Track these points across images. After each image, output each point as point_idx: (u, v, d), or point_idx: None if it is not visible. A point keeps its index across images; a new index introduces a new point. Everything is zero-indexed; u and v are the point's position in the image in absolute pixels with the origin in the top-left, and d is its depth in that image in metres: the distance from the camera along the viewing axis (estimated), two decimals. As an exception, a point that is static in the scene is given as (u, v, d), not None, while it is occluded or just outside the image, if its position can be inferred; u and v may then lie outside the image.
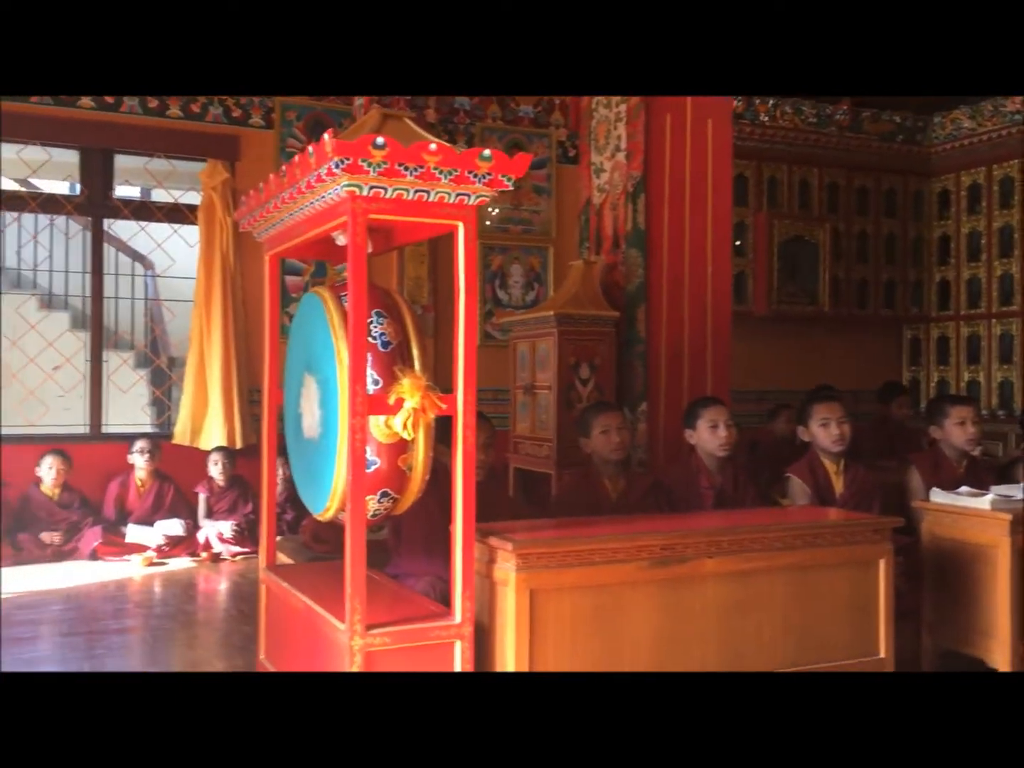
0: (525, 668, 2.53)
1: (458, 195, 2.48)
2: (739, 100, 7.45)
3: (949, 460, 4.10)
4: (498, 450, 3.96)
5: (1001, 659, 3.25)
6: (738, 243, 7.30)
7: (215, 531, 5.84)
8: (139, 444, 6.04)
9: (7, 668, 3.52)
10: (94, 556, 5.62)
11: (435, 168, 2.40)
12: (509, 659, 2.53)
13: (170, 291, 7.49)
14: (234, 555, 5.79)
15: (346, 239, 2.52)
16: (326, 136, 2.29)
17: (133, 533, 5.75)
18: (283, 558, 3.79)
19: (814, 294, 7.71)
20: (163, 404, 7.22)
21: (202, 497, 6.12)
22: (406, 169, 2.37)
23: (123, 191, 6.76)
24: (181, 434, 6.34)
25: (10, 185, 7.02)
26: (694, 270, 5.07)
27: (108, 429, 6.53)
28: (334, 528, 4.75)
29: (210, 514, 6.09)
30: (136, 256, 7.89)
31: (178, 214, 6.62)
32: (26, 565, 5.42)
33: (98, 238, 6.57)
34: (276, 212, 2.92)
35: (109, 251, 6.85)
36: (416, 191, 2.42)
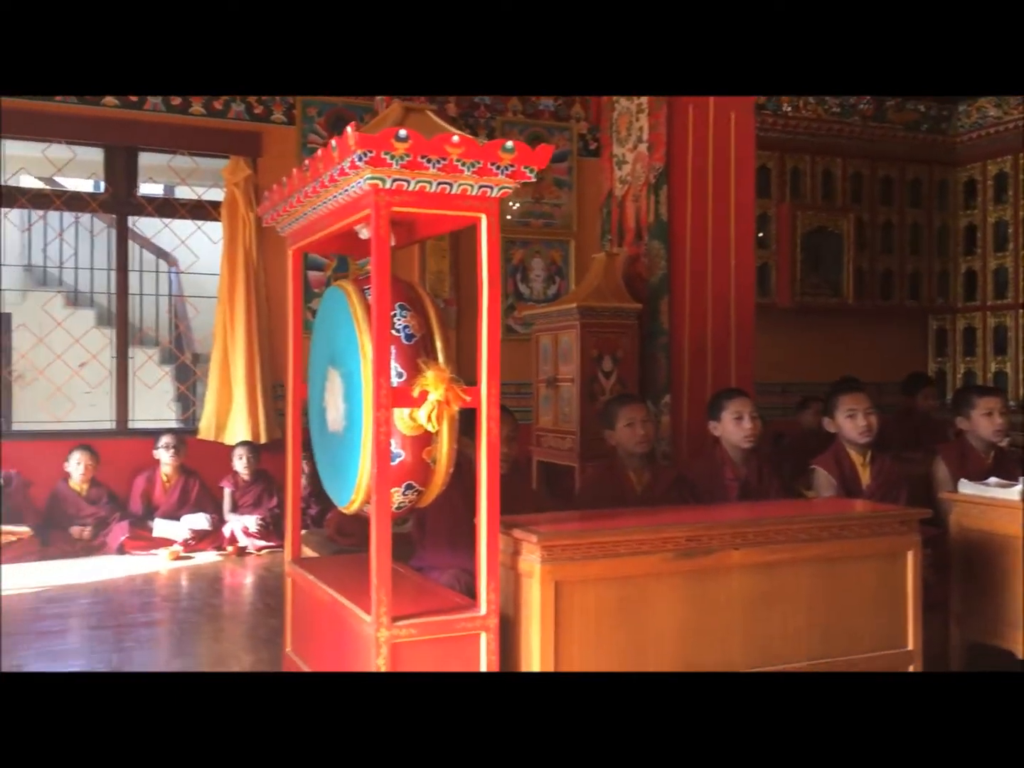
0: (550, 659, 2.53)
1: (481, 187, 2.47)
2: (761, 90, 7.40)
3: (976, 451, 4.06)
4: (521, 443, 3.96)
5: (1030, 651, 3.22)
6: (760, 235, 7.25)
7: (240, 525, 5.88)
8: (165, 439, 6.09)
9: (37, 661, 3.57)
10: (121, 550, 5.67)
11: (458, 160, 2.40)
12: (534, 651, 2.53)
13: (194, 287, 7.54)
14: (259, 549, 5.82)
15: (369, 232, 2.52)
16: (349, 129, 2.29)
17: (160, 527, 5.80)
18: (308, 552, 3.81)
19: (838, 286, 7.64)
20: (188, 400, 7.27)
21: (227, 491, 6.17)
22: (429, 161, 2.37)
23: (147, 188, 6.81)
24: (206, 429, 6.38)
25: (35, 183, 7.09)
26: (717, 262, 5.05)
27: (134, 425, 6.59)
28: (359, 521, 4.78)
29: (235, 508, 6.13)
30: (160, 253, 7.96)
31: (201, 211, 6.66)
32: (55, 560, 5.48)
33: (123, 235, 6.62)
34: (299, 206, 2.93)
35: (133, 248, 6.91)
36: (439, 183, 2.42)
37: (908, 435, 5.83)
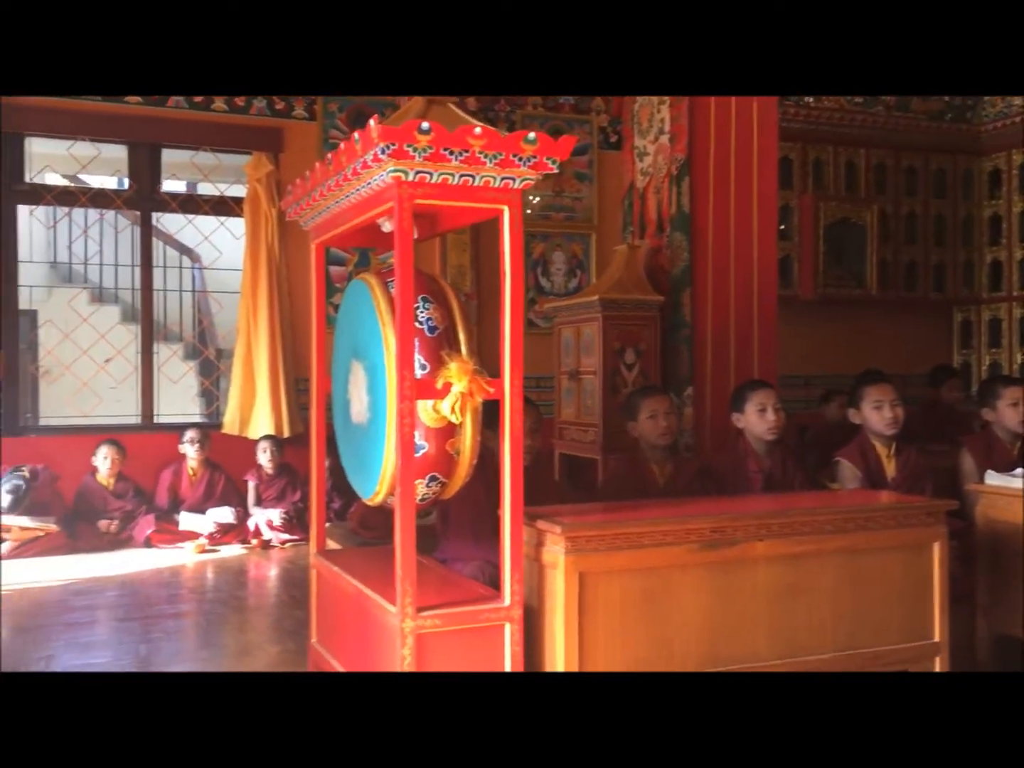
0: (574, 650, 2.53)
1: (503, 179, 2.48)
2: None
3: (1002, 442, 4.03)
4: (543, 436, 3.97)
5: (1058, 643, 3.20)
6: (782, 227, 7.20)
7: (265, 519, 5.92)
8: (190, 434, 6.14)
9: (66, 652, 3.62)
10: (148, 544, 5.73)
11: (480, 152, 2.40)
12: (559, 642, 2.54)
13: (217, 283, 7.59)
14: (283, 542, 5.87)
15: (392, 225, 2.53)
16: (372, 122, 2.30)
17: (185, 521, 5.86)
18: (332, 544, 3.83)
19: (861, 277, 7.59)
20: (212, 394, 7.33)
21: (251, 485, 6.21)
22: (451, 154, 2.37)
23: (170, 185, 6.85)
24: (230, 424, 6.43)
25: (60, 181, 7.17)
26: (739, 253, 5.03)
27: (159, 420, 6.65)
28: (382, 514, 4.80)
29: (259, 502, 6.18)
30: (183, 249, 8.02)
31: (224, 207, 6.70)
32: (83, 553, 5.54)
33: (147, 232, 6.67)
34: (322, 200, 2.95)
35: (157, 244, 6.97)
36: (461, 175, 2.43)
37: (933, 427, 5.78)
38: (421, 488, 2.66)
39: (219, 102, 6.43)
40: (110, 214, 7.03)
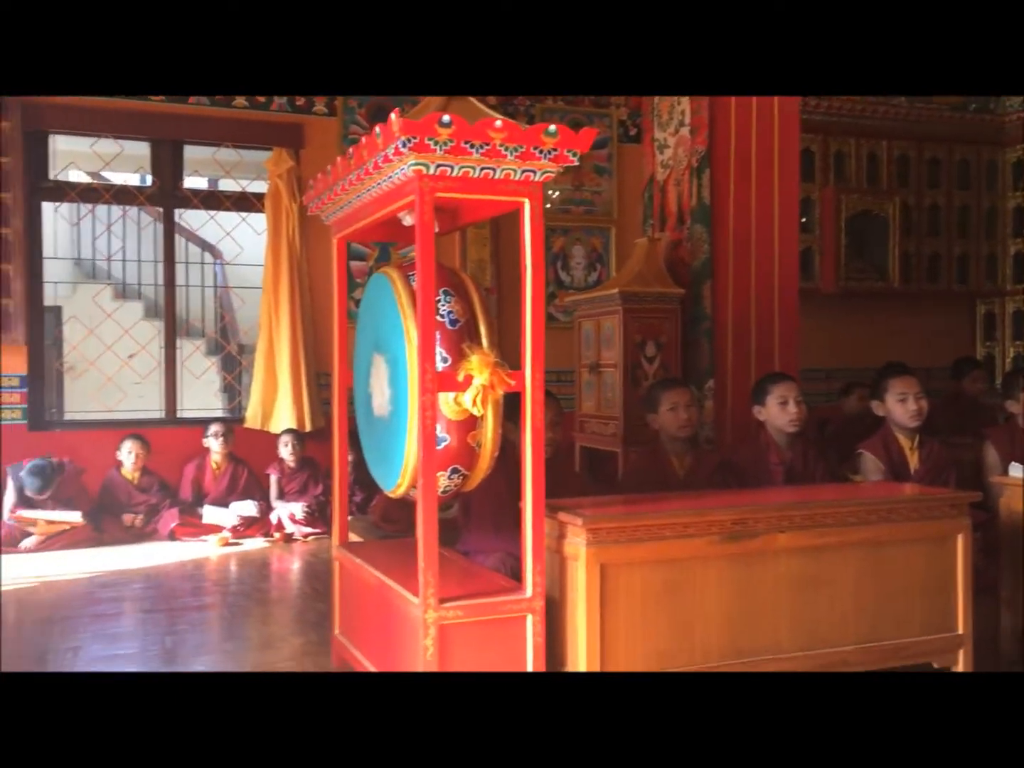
0: (596, 642, 2.54)
1: (524, 171, 2.49)
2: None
3: (1027, 434, 4.00)
4: (564, 429, 3.97)
5: (1083, 636, 3.17)
6: (803, 220, 7.16)
7: (287, 512, 5.96)
8: (214, 428, 6.19)
9: (93, 643, 3.66)
10: (172, 537, 5.78)
11: (501, 145, 2.41)
12: (580, 633, 2.55)
13: (239, 278, 7.64)
14: (306, 535, 5.90)
15: (413, 219, 2.54)
16: (393, 116, 2.32)
17: (209, 514, 5.91)
18: (354, 537, 3.87)
19: (883, 270, 7.53)
20: (234, 389, 7.38)
21: (273, 479, 6.26)
22: (472, 147, 2.39)
23: (192, 182, 6.90)
24: (252, 418, 6.47)
25: (83, 178, 7.23)
26: (760, 246, 5.01)
27: (182, 414, 6.71)
28: (403, 507, 4.84)
29: (282, 495, 6.22)
30: (205, 245, 8.07)
31: (245, 203, 6.74)
32: (108, 546, 5.60)
33: (169, 228, 6.72)
34: (344, 194, 2.97)
35: (179, 241, 7.02)
36: (482, 168, 2.44)
37: (956, 419, 5.75)
38: (443, 480, 2.68)
39: (240, 99, 6.46)
40: (133, 211, 7.09)
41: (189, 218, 7.53)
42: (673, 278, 5.08)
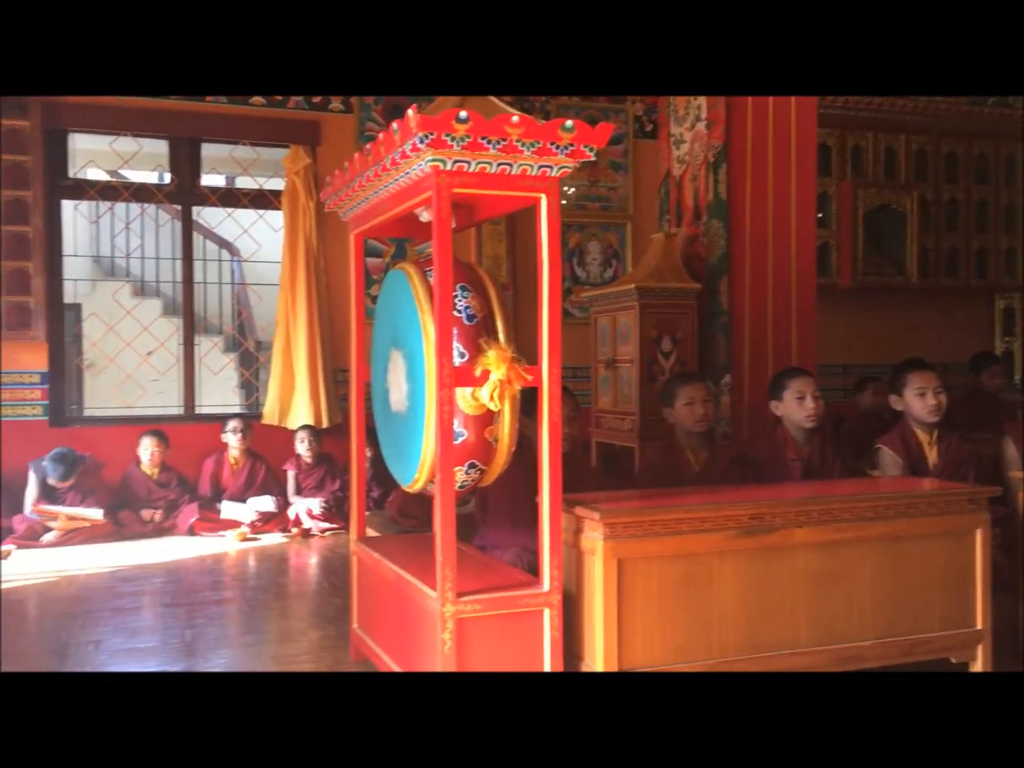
0: (613, 636, 2.55)
1: (540, 167, 2.49)
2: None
3: (1047, 429, 3.98)
4: (580, 424, 3.98)
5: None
6: (820, 215, 7.13)
7: (305, 507, 5.99)
8: (232, 423, 6.23)
9: (113, 636, 3.69)
10: (191, 532, 5.83)
11: (517, 140, 2.42)
12: (597, 627, 2.56)
13: (256, 275, 7.68)
14: (323, 531, 5.93)
15: (430, 215, 2.55)
16: (410, 112, 2.33)
17: (228, 510, 5.95)
18: (371, 532, 3.88)
19: (901, 265, 7.50)
20: (251, 385, 7.42)
21: (291, 474, 6.29)
22: (489, 142, 2.39)
23: (209, 179, 6.93)
24: (270, 414, 6.51)
25: (102, 176, 7.28)
26: (777, 241, 4.99)
27: (201, 410, 6.75)
28: (421, 503, 4.85)
29: (299, 491, 6.25)
30: (222, 242, 8.11)
31: (262, 200, 6.78)
32: (128, 541, 5.66)
33: (187, 225, 6.77)
34: (361, 191, 2.98)
35: (197, 238, 7.06)
36: (499, 164, 2.44)
37: (974, 415, 5.71)
38: (460, 475, 2.69)
39: (257, 96, 6.49)
40: (151, 208, 7.13)
41: (207, 215, 7.57)
42: (689, 273, 5.07)
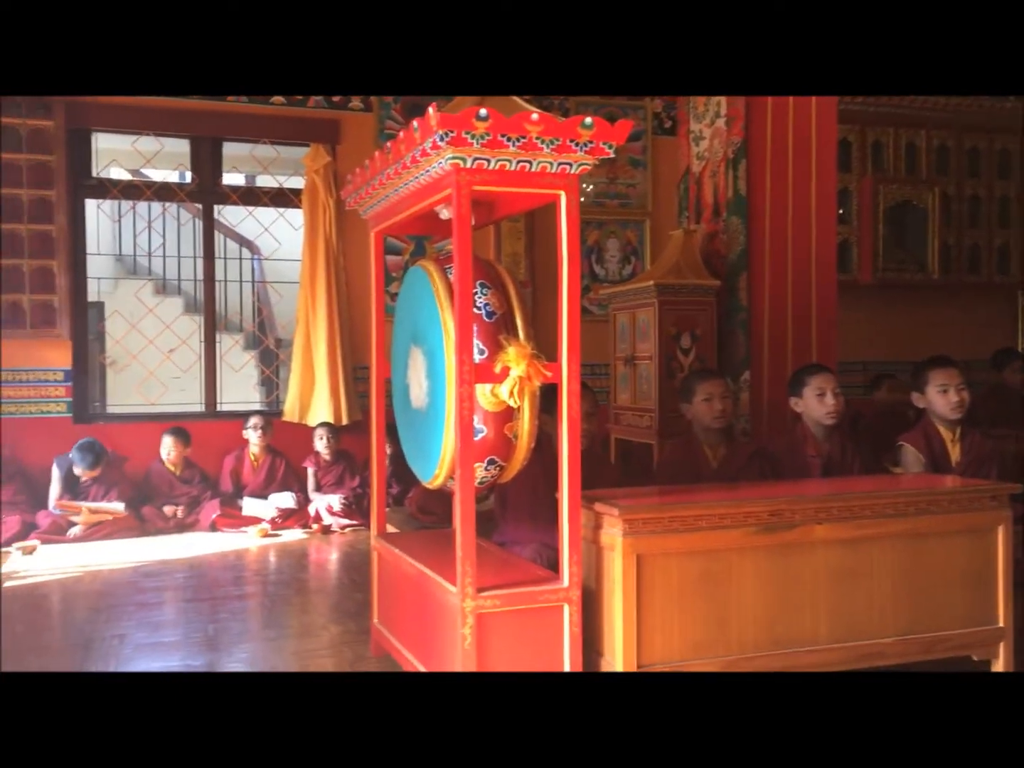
0: (632, 632, 2.56)
1: (560, 164, 2.50)
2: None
3: (1070, 426, 3.95)
4: (599, 421, 3.99)
5: None
6: (840, 211, 7.09)
7: (325, 504, 6.03)
8: (253, 420, 6.27)
9: (137, 631, 3.74)
10: (213, 528, 5.88)
11: (537, 138, 2.43)
12: (616, 623, 2.57)
13: (276, 273, 7.72)
14: (343, 527, 5.97)
15: (450, 212, 2.57)
16: (431, 110, 2.34)
17: (249, 506, 5.99)
18: (391, 528, 3.91)
19: (923, 261, 7.45)
20: (272, 383, 7.47)
21: (310, 471, 6.33)
22: (508, 140, 2.40)
23: (230, 178, 6.98)
24: (290, 411, 6.55)
25: (125, 175, 7.35)
26: (797, 237, 4.98)
27: (222, 407, 6.80)
28: (440, 499, 4.88)
29: (319, 488, 6.29)
30: (243, 241, 8.17)
31: (283, 198, 6.81)
32: (151, 536, 5.71)
33: (209, 224, 6.82)
34: (381, 189, 3.00)
35: (218, 236, 7.10)
36: (519, 161, 2.45)
37: (997, 411, 5.67)
38: (480, 471, 2.70)
39: (277, 96, 6.53)
40: (173, 207, 7.19)
41: (228, 214, 7.62)
42: (709, 270, 5.07)
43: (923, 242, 7.43)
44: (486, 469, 2.73)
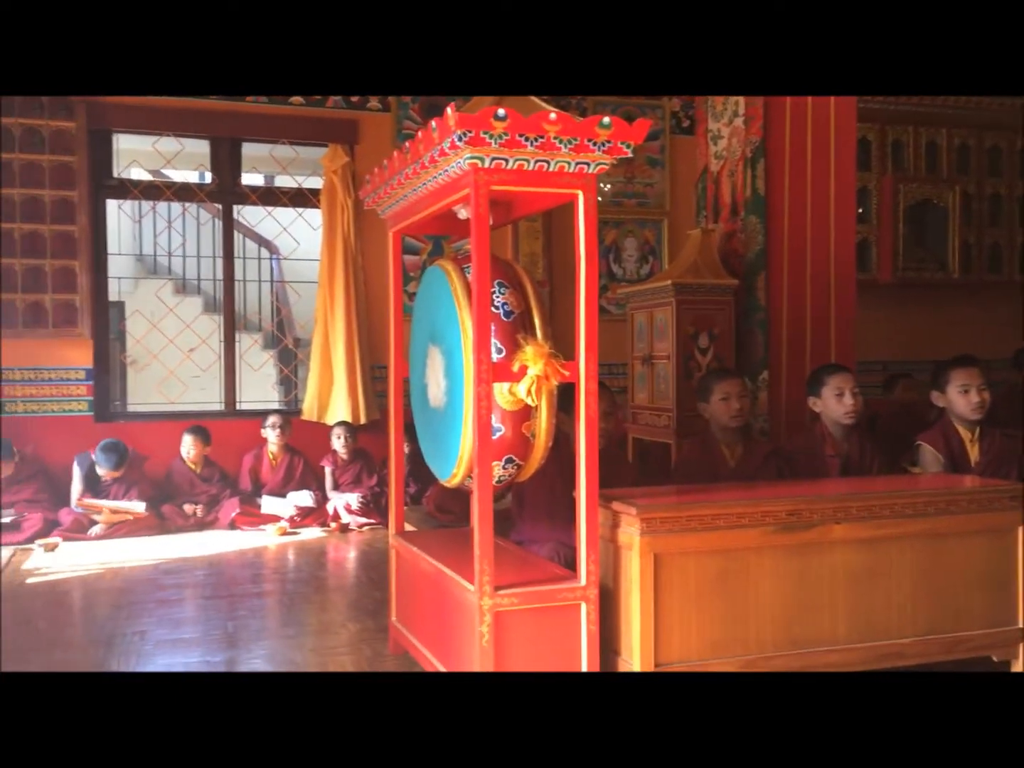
0: (650, 631, 2.56)
1: (578, 164, 2.50)
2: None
3: (1092, 426, 3.91)
4: (617, 420, 3.98)
5: None
6: (860, 210, 7.05)
7: (342, 503, 6.06)
8: (272, 419, 6.31)
9: (158, 627, 3.77)
10: (233, 526, 5.92)
11: (555, 138, 2.43)
12: (634, 622, 2.57)
13: (295, 273, 7.76)
14: (361, 525, 6.00)
15: (468, 212, 2.57)
16: (449, 110, 2.35)
17: (267, 504, 6.03)
18: (408, 527, 3.92)
19: (943, 260, 7.40)
20: (290, 382, 7.51)
21: (328, 470, 6.36)
22: (527, 139, 2.41)
23: (249, 178, 7.03)
24: (308, 410, 6.59)
25: (145, 176, 7.40)
26: (816, 236, 4.96)
27: (241, 406, 6.85)
28: (458, 498, 4.88)
29: (336, 487, 6.32)
30: (262, 241, 8.21)
31: (301, 198, 6.85)
32: (171, 534, 5.76)
33: (228, 224, 6.86)
34: (399, 188, 3.01)
35: (237, 236, 7.15)
36: (537, 161, 2.46)
37: (1016, 411, 5.63)
38: (498, 470, 2.71)
39: (296, 96, 6.56)
40: (193, 207, 7.23)
41: (247, 214, 7.67)
42: (727, 269, 5.06)
43: (943, 241, 7.38)
44: (504, 468, 2.74)
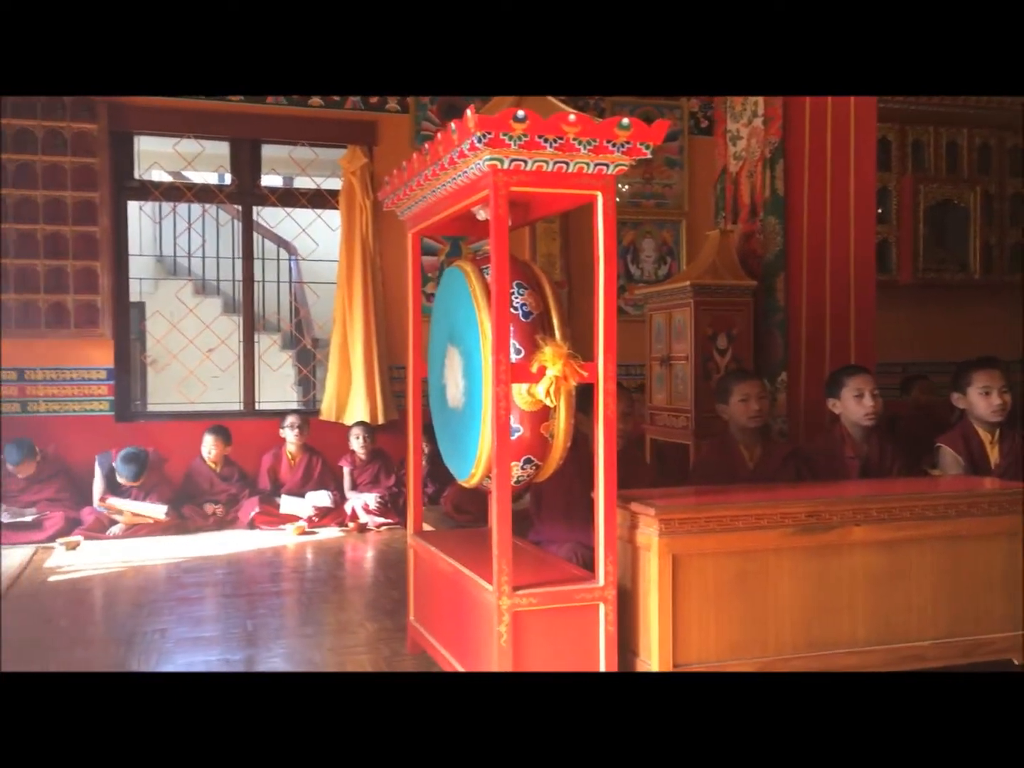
0: (668, 631, 2.56)
1: (597, 165, 2.51)
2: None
3: (1114, 429, 3.88)
4: (635, 421, 3.99)
5: None
6: (880, 210, 7.01)
7: (360, 503, 6.08)
8: (290, 419, 6.34)
9: (178, 625, 3.80)
10: (252, 525, 5.95)
11: (574, 139, 2.44)
12: (652, 622, 2.57)
13: (314, 274, 7.80)
14: (379, 525, 6.01)
15: (487, 214, 2.58)
16: (468, 112, 2.36)
17: (286, 504, 6.06)
18: (426, 527, 3.94)
19: (964, 261, 7.35)
20: (309, 382, 7.54)
21: (346, 470, 6.38)
22: (546, 141, 2.42)
23: (269, 180, 7.06)
24: (327, 411, 6.61)
25: (166, 177, 7.46)
26: (835, 237, 4.94)
27: (260, 406, 6.89)
28: (475, 499, 4.90)
29: (354, 487, 6.34)
30: (281, 242, 8.26)
31: (320, 199, 6.88)
32: (191, 534, 5.80)
33: (248, 225, 6.90)
34: (419, 190, 3.02)
35: (256, 237, 7.18)
36: (556, 162, 2.47)
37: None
38: (516, 470, 2.71)
39: (315, 97, 6.60)
40: (213, 208, 7.29)
41: (266, 215, 7.71)
42: (745, 270, 5.05)
43: (964, 241, 7.33)
44: (522, 468, 2.74)
